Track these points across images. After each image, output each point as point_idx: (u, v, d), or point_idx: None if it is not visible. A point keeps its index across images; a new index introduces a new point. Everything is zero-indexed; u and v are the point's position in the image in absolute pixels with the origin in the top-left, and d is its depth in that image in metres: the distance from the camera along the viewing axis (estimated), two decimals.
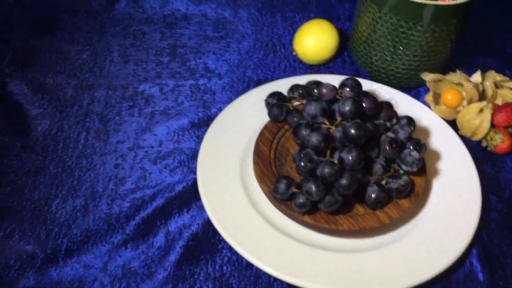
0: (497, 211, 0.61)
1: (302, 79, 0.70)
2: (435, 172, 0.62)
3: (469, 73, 0.71)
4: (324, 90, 0.56)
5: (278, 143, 0.63)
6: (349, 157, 0.53)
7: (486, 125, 0.66)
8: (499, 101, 0.70)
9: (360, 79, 0.70)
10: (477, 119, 0.66)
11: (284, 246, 0.55)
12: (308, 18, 0.85)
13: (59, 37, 0.80)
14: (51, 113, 0.69)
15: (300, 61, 0.78)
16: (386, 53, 0.71)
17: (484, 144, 0.68)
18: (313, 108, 0.55)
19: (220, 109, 0.68)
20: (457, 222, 0.57)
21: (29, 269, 0.54)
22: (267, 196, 0.57)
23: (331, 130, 0.55)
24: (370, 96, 0.56)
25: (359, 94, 0.57)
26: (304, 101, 0.62)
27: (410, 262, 0.54)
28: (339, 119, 0.56)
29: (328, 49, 0.76)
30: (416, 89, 0.75)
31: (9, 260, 0.54)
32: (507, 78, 0.71)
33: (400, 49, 0.69)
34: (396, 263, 0.54)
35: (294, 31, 0.81)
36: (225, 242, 0.56)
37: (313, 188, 0.52)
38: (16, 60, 0.76)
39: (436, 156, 0.64)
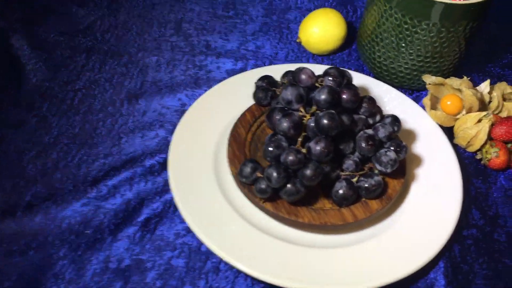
0: (477, 227, 0.57)
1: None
2: (416, 178, 0.59)
3: (480, 83, 0.67)
4: (302, 76, 0.54)
5: (258, 127, 0.61)
6: (317, 148, 0.50)
7: (483, 136, 0.62)
8: (504, 114, 0.65)
9: (360, 75, 0.68)
10: (474, 129, 0.62)
11: (248, 234, 0.53)
12: (323, 7, 0.82)
13: None
14: (45, 71, 0.70)
15: (305, 50, 0.76)
16: (390, 50, 0.67)
17: (478, 156, 0.63)
18: (289, 93, 0.53)
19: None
20: (428, 233, 0.54)
21: None
22: (234, 179, 0.56)
23: (305, 119, 0.53)
24: (351, 88, 0.53)
25: (340, 84, 0.54)
26: None
27: (370, 265, 0.51)
28: (314, 108, 0.53)
29: (333, 39, 0.73)
30: (419, 92, 0.71)
31: None
32: None
33: (403, 46, 0.66)
34: (355, 265, 0.51)
35: None
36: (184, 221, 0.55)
37: (274, 174, 0.50)
38: (24, 17, 0.77)
39: (421, 161, 0.60)
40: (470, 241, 0.56)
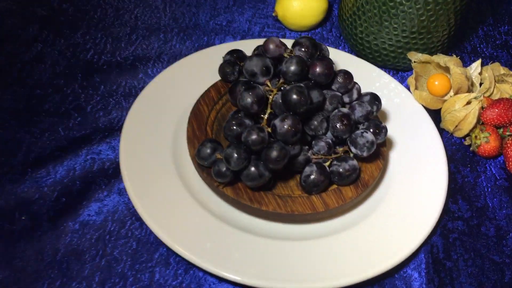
0: (464, 220, 0.51)
1: None
2: (397, 164, 0.53)
3: (470, 64, 0.61)
4: (270, 46, 0.47)
5: (224, 105, 0.55)
6: (283, 126, 0.44)
7: (472, 120, 0.56)
8: (496, 97, 0.60)
9: (338, 51, 0.62)
10: (463, 111, 0.56)
11: (205, 224, 0.47)
12: None
13: None
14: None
15: (281, 26, 0.70)
16: (372, 25, 0.61)
17: (467, 142, 0.58)
18: (253, 64, 0.47)
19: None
20: (408, 225, 0.48)
21: None
22: (193, 161, 0.49)
23: (272, 94, 0.47)
24: (325, 61, 0.47)
25: (312, 56, 0.48)
26: None
27: (342, 260, 0.45)
28: (281, 81, 0.47)
29: (312, 13, 0.67)
30: (405, 73, 0.65)
31: None
32: None
33: (386, 20, 0.60)
34: (325, 260, 0.45)
35: None
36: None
37: (233, 155, 0.44)
38: None
39: (403, 146, 0.54)
40: (455, 234, 0.50)
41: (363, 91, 0.53)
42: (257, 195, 0.47)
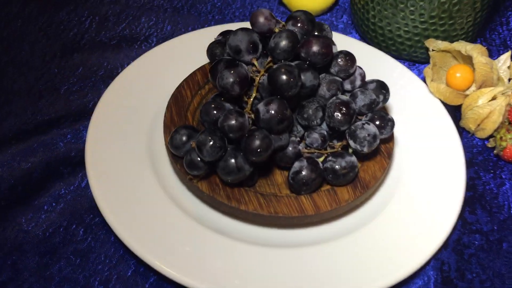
0: (482, 233, 0.43)
1: None
2: (407, 165, 0.46)
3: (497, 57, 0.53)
4: (259, 18, 0.41)
5: (211, 90, 0.48)
6: (267, 110, 0.37)
7: (497, 118, 0.48)
8: None
9: (345, 37, 0.55)
10: (486, 108, 0.48)
11: (176, 224, 0.40)
12: None
13: None
14: None
15: (285, 10, 0.63)
16: (386, 8, 0.54)
17: (491, 144, 0.50)
18: (238, 39, 0.40)
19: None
20: (415, 237, 0.40)
21: None
22: (167, 152, 0.43)
23: (258, 75, 0.40)
24: (321, 38, 0.40)
25: (308, 33, 0.41)
26: None
27: (332, 274, 0.38)
28: (269, 59, 0.40)
29: None
30: (422, 65, 0.58)
31: None
32: None
33: (402, 3, 0.52)
34: (313, 272, 0.38)
35: None
36: None
37: (206, 142, 0.37)
38: None
39: (415, 145, 0.47)
40: (471, 250, 0.42)
41: (369, 77, 0.46)
42: (236, 192, 0.40)
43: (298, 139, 0.42)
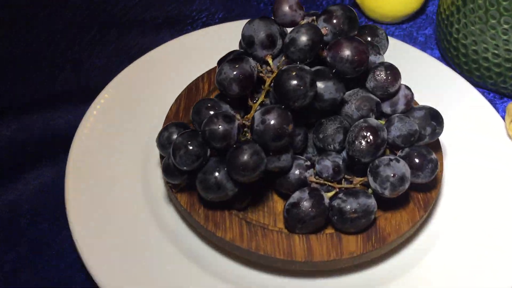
0: None
1: None
2: (449, 225, 0.35)
3: None
4: (283, 7, 0.33)
5: None
6: (263, 121, 0.30)
7: None
8: None
9: (415, 50, 0.45)
10: None
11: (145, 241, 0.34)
12: None
13: None
14: None
15: (358, 10, 0.54)
16: (473, 22, 0.43)
17: None
18: (253, 29, 0.33)
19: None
20: None
21: None
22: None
23: (270, 76, 0.32)
24: (356, 42, 0.31)
25: (342, 33, 0.32)
26: None
27: None
28: (283, 58, 0.32)
29: (402, 2, 0.50)
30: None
31: None
32: None
33: (494, 18, 0.41)
34: None
35: None
36: None
37: (181, 146, 0.30)
38: None
39: (471, 202, 0.36)
40: None
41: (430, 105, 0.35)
42: (218, 215, 0.33)
43: (308, 163, 0.33)
